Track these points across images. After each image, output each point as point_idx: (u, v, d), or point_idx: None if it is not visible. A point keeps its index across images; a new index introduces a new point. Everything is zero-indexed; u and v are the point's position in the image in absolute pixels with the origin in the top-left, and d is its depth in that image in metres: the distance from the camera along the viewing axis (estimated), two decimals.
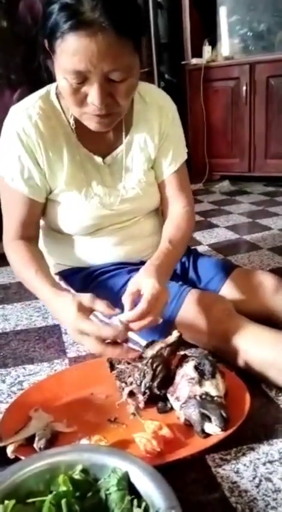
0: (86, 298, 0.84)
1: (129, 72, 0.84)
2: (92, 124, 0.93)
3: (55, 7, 0.79)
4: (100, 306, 0.83)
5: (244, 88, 3.02)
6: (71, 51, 0.79)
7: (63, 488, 0.59)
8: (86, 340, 0.82)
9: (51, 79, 1.00)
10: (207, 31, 3.20)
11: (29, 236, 1.06)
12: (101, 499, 0.58)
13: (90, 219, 1.08)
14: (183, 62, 3.28)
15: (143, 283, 0.87)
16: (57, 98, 1.02)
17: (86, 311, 0.83)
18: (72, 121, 1.01)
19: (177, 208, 1.15)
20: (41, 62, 0.96)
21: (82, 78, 0.83)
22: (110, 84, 0.84)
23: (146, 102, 1.09)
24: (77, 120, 0.99)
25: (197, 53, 3.20)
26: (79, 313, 0.82)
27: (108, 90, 0.85)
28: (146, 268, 0.93)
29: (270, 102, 2.98)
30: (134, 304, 0.85)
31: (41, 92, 1.02)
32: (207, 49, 3.18)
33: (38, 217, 1.08)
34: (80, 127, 1.00)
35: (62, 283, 1.19)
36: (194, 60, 3.20)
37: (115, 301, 1.07)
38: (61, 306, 0.87)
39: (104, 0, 0.77)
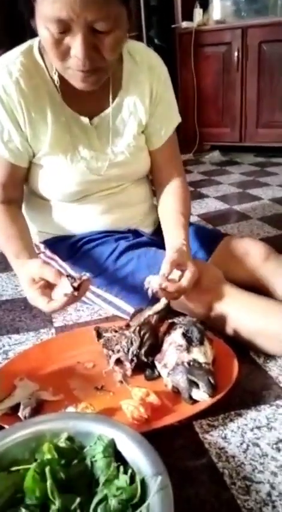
0: (34, 268, 0.84)
1: (115, 23, 0.79)
2: (76, 82, 0.87)
3: None
4: (48, 274, 0.81)
5: (236, 54, 2.93)
6: None
7: (48, 456, 0.57)
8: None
9: (33, 37, 0.94)
10: None
11: (10, 199, 1.03)
12: (86, 466, 0.57)
13: (76, 185, 1.04)
14: (173, 26, 3.16)
15: (189, 263, 0.90)
16: (40, 53, 0.95)
17: (36, 281, 0.83)
18: (56, 78, 0.95)
19: (171, 177, 1.13)
20: (24, 18, 0.90)
21: (64, 27, 0.77)
22: (94, 36, 0.79)
23: (136, 62, 1.03)
24: (62, 78, 0.93)
25: (188, 17, 3.09)
26: (30, 288, 0.83)
27: (93, 42, 0.80)
28: (185, 246, 0.95)
29: (262, 69, 2.91)
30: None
31: (23, 47, 0.96)
32: (198, 12, 3.06)
33: (21, 181, 1.05)
34: (65, 85, 0.94)
35: (48, 252, 1.16)
36: (185, 24, 3.09)
37: (102, 269, 1.06)
38: (19, 276, 0.91)
39: None
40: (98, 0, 0.75)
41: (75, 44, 0.79)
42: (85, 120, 1.00)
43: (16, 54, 0.94)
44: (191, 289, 0.94)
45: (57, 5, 0.74)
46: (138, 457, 0.56)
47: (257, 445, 0.69)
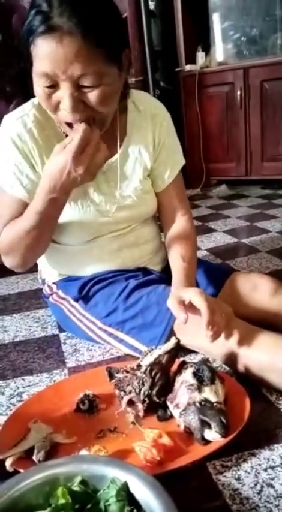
0: None
1: (101, 79, 0.84)
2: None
3: (32, 13, 0.81)
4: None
5: (238, 92, 3.03)
6: (40, 55, 0.81)
7: (62, 500, 0.58)
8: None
9: None
10: (200, 37, 3.22)
11: None
12: (100, 510, 0.58)
13: (87, 227, 1.08)
14: (177, 69, 3.29)
15: (191, 294, 0.91)
16: None
17: None
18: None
19: (177, 216, 1.16)
20: (25, 69, 0.97)
21: (52, 82, 0.83)
22: (80, 91, 0.85)
23: (140, 111, 1.09)
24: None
25: (191, 60, 3.22)
26: None
27: (79, 96, 0.85)
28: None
29: (265, 106, 2.99)
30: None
31: (35, 101, 1.02)
32: (200, 55, 3.19)
33: None
34: None
35: (60, 293, 1.19)
36: (188, 67, 3.21)
37: (113, 308, 1.08)
38: (54, 161, 0.88)
39: (72, 6, 0.79)
40: (82, 59, 0.80)
41: (64, 98, 0.85)
42: None
43: (29, 106, 1.01)
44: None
45: (45, 61, 0.81)
46: (151, 500, 0.56)
47: (272, 485, 0.69)
